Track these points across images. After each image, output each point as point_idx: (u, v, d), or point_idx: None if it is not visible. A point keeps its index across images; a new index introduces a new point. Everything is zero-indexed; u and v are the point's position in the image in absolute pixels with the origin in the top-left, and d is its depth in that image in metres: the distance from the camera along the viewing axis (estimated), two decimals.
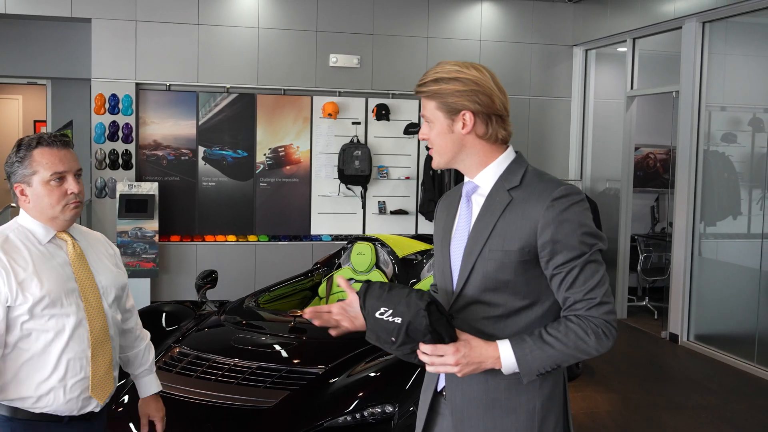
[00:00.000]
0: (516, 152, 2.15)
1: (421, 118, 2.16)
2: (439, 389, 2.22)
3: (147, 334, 2.80)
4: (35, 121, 11.44)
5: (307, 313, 2.24)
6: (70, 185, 2.37)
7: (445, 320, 1.97)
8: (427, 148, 8.60)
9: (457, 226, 2.16)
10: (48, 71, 8.74)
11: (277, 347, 4.12)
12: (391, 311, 1.98)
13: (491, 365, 1.99)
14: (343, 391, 3.63)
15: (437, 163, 2.15)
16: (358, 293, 2.10)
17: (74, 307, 2.36)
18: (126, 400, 3.69)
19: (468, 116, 2.06)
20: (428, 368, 2.01)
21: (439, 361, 1.97)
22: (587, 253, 1.97)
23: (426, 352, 1.97)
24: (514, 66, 9.00)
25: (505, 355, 1.98)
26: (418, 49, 8.74)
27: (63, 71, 8.70)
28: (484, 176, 2.11)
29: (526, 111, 9.07)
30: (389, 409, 3.46)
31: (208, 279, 5.12)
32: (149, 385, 2.78)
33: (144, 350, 2.76)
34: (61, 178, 2.36)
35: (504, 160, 2.12)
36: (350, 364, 3.82)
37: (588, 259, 1.97)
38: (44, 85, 9.12)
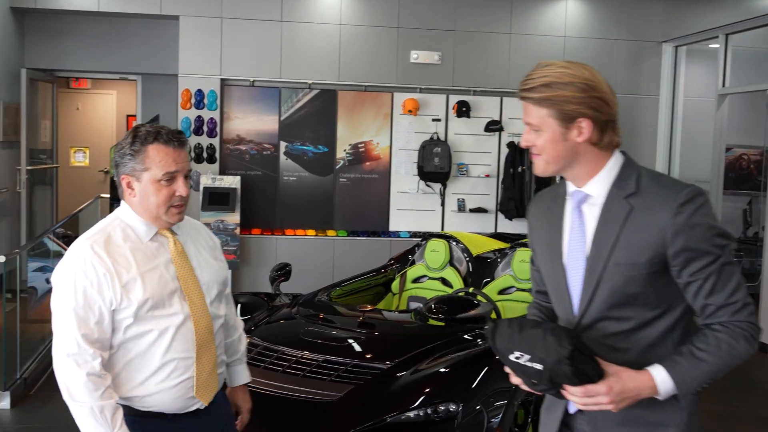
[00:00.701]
0: (623, 154, 2.01)
1: (523, 123, 2.00)
2: (571, 411, 2.07)
3: (241, 324, 2.73)
4: (128, 116, 11.84)
5: None
6: (180, 187, 2.28)
7: (589, 360, 1.84)
8: (516, 150, 8.51)
9: (569, 239, 2.02)
10: (138, 67, 9.03)
11: (346, 341, 4.13)
12: (528, 356, 1.85)
13: (648, 395, 1.88)
14: (409, 387, 3.61)
15: (544, 171, 2.00)
16: (485, 334, 2.00)
17: (178, 307, 2.30)
18: None
19: (585, 124, 1.92)
20: (580, 407, 1.92)
21: (592, 401, 1.86)
22: (721, 255, 1.86)
23: (576, 395, 1.86)
24: (600, 63, 8.76)
25: (661, 381, 1.87)
26: (500, 45, 8.63)
27: (152, 67, 8.97)
28: (595, 184, 1.98)
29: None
30: (453, 407, 3.42)
31: (282, 272, 5.18)
32: (240, 374, 2.70)
33: (237, 340, 2.68)
34: (171, 178, 2.26)
35: (614, 165, 1.98)
36: (417, 360, 3.79)
37: (723, 261, 1.86)
38: (135, 80, 9.42)
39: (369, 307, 4.60)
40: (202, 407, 2.38)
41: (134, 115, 10.17)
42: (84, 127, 11.96)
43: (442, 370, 3.72)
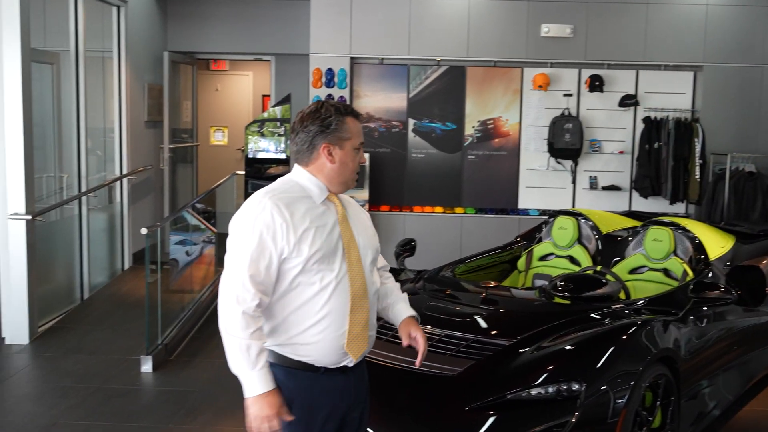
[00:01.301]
0: None
1: None
2: None
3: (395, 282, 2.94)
4: (263, 96, 12.21)
5: None
6: (362, 157, 2.60)
7: None
8: (653, 125, 8.16)
9: None
10: (272, 48, 9.29)
11: (468, 317, 4.11)
12: None
13: None
14: (531, 363, 3.56)
15: None
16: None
17: (338, 265, 2.48)
18: None
19: None
20: None
21: None
22: None
23: None
24: (745, 32, 8.25)
25: None
26: (636, 16, 8.27)
27: (285, 47, 9.20)
28: None
29: (758, 81, 8.31)
30: (577, 386, 3.34)
31: (407, 247, 5.22)
32: (403, 310, 2.83)
33: (394, 285, 2.89)
34: (358, 149, 2.57)
35: None
36: (540, 338, 3.73)
37: None
38: (269, 60, 9.70)
39: (492, 284, 4.55)
40: (350, 364, 2.55)
41: (268, 95, 10.50)
42: (222, 107, 12.43)
43: (567, 348, 3.64)
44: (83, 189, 6.94)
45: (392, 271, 5.04)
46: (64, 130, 6.88)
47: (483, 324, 4.02)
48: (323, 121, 2.49)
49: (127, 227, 7.97)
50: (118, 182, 7.80)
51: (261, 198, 2.44)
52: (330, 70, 8.41)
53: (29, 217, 5.70)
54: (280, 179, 2.56)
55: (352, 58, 8.45)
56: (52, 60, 6.69)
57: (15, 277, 5.80)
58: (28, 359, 5.61)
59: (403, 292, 4.54)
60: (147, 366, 5.32)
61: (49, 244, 6.50)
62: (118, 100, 7.79)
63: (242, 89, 12.53)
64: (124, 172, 7.88)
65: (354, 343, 2.51)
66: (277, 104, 7.85)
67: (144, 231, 5.53)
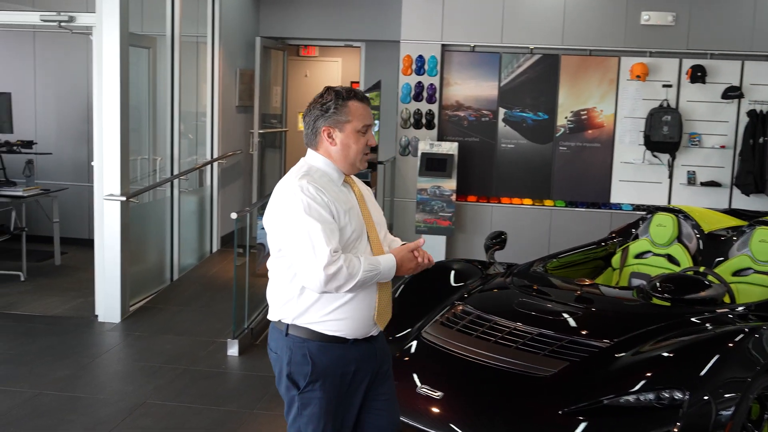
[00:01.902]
0: None
1: None
2: None
3: None
4: (351, 82, 12.19)
5: None
6: (370, 138, 2.66)
7: None
8: (758, 119, 7.76)
9: None
10: (363, 34, 9.23)
11: (561, 315, 3.97)
12: None
13: None
14: (629, 368, 3.39)
15: None
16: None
17: (365, 243, 2.64)
18: (409, 349, 3.79)
19: None
20: None
21: None
22: None
23: None
24: None
25: None
26: (743, 3, 7.85)
27: (376, 34, 9.13)
28: None
29: None
30: (679, 395, 3.16)
31: (497, 240, 5.08)
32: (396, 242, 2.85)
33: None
34: (366, 130, 2.64)
35: None
36: (639, 341, 3.56)
37: None
38: (359, 47, 9.65)
39: (587, 282, 4.39)
40: (376, 333, 2.72)
41: (357, 82, 10.46)
42: (311, 93, 12.29)
43: (667, 354, 3.46)
44: (175, 172, 7.05)
45: (481, 264, 4.95)
46: (158, 113, 7.01)
47: (577, 324, 3.87)
48: (323, 106, 2.61)
49: (217, 211, 8.07)
50: (208, 166, 7.90)
51: (295, 183, 2.54)
52: (420, 57, 8.30)
53: (123, 199, 5.82)
54: (298, 164, 2.68)
55: (443, 45, 8.32)
56: (149, 44, 6.81)
57: (109, 257, 5.93)
58: (119, 337, 5.73)
59: (492, 286, 4.46)
60: (233, 349, 5.36)
61: (142, 226, 6.63)
62: (210, 84, 7.88)
63: (331, 75, 12.55)
64: (215, 156, 7.97)
65: (382, 315, 2.68)
66: (367, 91, 7.80)
67: (234, 216, 5.56)
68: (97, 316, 6.04)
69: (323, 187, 2.56)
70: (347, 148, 2.62)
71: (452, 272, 4.73)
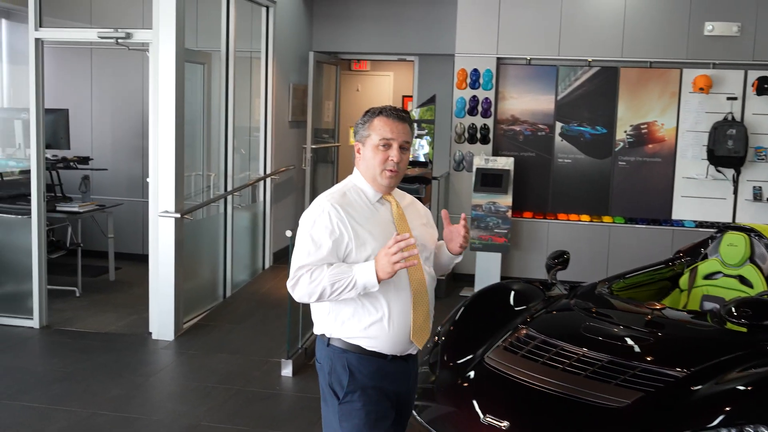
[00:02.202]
0: None
1: None
2: None
3: None
4: (403, 96, 12.11)
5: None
6: (393, 153, 2.68)
7: None
8: None
9: None
10: (416, 48, 9.14)
11: (631, 341, 3.77)
12: None
13: None
14: (708, 401, 3.19)
15: None
16: None
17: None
18: (472, 375, 3.64)
19: None
20: None
21: None
22: None
23: None
24: None
25: None
26: None
27: (429, 48, 9.03)
28: None
29: None
30: (764, 430, 2.96)
31: (560, 260, 4.90)
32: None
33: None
34: (387, 145, 2.67)
35: None
36: (718, 371, 3.35)
37: None
38: (412, 61, 9.56)
39: (657, 305, 4.18)
40: (415, 352, 2.77)
41: (410, 96, 10.36)
42: (363, 107, 12.24)
43: (748, 386, 3.24)
44: (229, 188, 7.02)
45: (542, 284, 4.79)
46: (212, 129, 6.99)
47: (649, 351, 3.67)
48: (357, 125, 2.77)
49: (269, 226, 8.03)
50: (261, 182, 7.87)
51: (321, 200, 2.68)
52: (475, 70, 8.17)
53: (178, 215, 5.79)
54: (343, 181, 2.80)
55: (498, 59, 8.18)
56: (204, 60, 6.80)
57: (163, 274, 5.90)
58: (172, 356, 5.69)
59: (556, 309, 4.28)
60: (287, 370, 5.27)
61: (196, 242, 6.61)
62: (264, 99, 7.85)
63: (383, 90, 12.48)
64: (268, 171, 7.93)
65: (418, 333, 2.70)
66: (421, 105, 7.69)
67: (289, 233, 5.48)
68: (151, 333, 6.02)
69: (350, 205, 2.66)
70: (367, 162, 2.71)
71: (512, 293, 4.57)
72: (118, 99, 8.53)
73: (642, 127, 8.04)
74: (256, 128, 7.90)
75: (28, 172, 6.24)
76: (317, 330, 2.76)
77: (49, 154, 7.47)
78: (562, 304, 4.34)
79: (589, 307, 4.23)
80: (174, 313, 5.92)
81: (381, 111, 2.73)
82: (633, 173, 8.08)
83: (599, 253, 8.09)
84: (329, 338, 2.69)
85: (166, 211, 5.80)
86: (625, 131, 8.06)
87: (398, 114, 2.73)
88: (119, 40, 5.81)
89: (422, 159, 8.08)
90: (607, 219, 8.13)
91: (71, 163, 7.55)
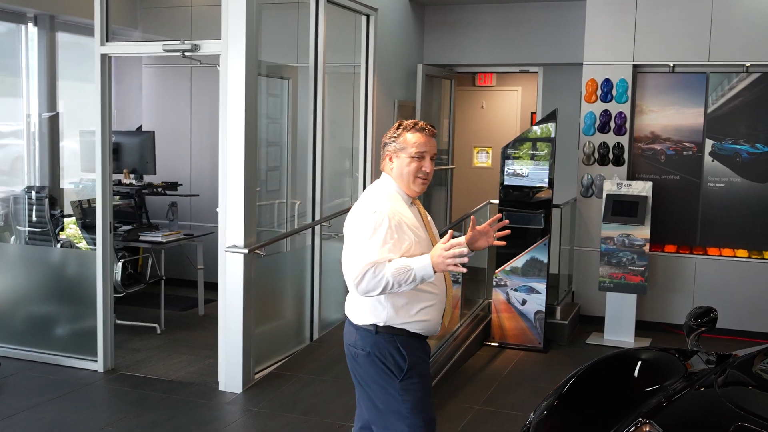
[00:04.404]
0: None
1: None
2: None
3: None
4: (532, 113, 11.02)
5: None
6: (426, 164, 3.03)
7: None
8: None
9: None
10: (540, 57, 8.09)
11: None
12: None
13: None
14: None
15: None
16: None
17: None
18: None
19: None
20: None
21: None
22: None
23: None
24: None
25: None
26: None
27: (555, 57, 7.95)
28: None
29: None
30: None
31: (704, 319, 3.74)
32: None
33: None
34: (420, 157, 3.01)
35: None
36: None
37: None
38: (536, 72, 8.51)
39: None
40: (437, 332, 3.16)
41: (536, 112, 9.29)
42: (488, 126, 11.41)
43: None
44: (317, 217, 6.23)
45: (681, 353, 3.66)
46: (298, 151, 6.25)
47: None
48: (389, 137, 3.07)
49: None
50: None
51: (376, 202, 2.96)
52: (607, 81, 7.04)
53: (246, 251, 5.05)
54: (374, 186, 3.08)
55: (635, 66, 7.01)
56: (289, 75, 6.08)
57: (231, 317, 5.18)
58: (238, 413, 4.94)
59: (693, 396, 3.15)
60: None
61: (276, 279, 5.88)
62: (364, 118, 7.05)
63: (510, 106, 11.43)
64: None
65: (447, 315, 3.16)
66: (540, 122, 6.65)
67: None
68: (218, 384, 5.30)
69: (398, 208, 2.98)
70: (401, 171, 3.03)
71: (639, 363, 3.48)
72: (215, 121, 7.99)
73: None
74: (356, 149, 7.10)
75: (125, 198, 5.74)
76: (362, 321, 3.01)
77: (134, 179, 7.00)
78: (706, 381, 3.19)
79: (743, 393, 3.07)
80: (242, 363, 5.17)
81: (412, 126, 3.05)
82: None
83: (760, 298, 6.71)
84: (378, 326, 2.97)
85: (234, 246, 5.08)
86: None
87: (429, 130, 3.08)
88: (185, 53, 5.18)
89: (542, 184, 6.92)
90: None
91: (157, 189, 7.04)
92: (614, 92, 7.04)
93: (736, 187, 6.88)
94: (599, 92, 7.08)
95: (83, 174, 7.43)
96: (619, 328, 6.66)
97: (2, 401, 5.04)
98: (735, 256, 6.86)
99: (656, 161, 7.08)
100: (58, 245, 6.67)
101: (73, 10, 7.07)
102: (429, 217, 3.23)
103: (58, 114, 7.35)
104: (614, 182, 6.77)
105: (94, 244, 5.66)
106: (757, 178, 6.81)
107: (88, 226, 6.51)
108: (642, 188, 6.67)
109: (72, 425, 4.68)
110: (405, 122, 3.05)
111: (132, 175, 7.03)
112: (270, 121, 5.67)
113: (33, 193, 6.81)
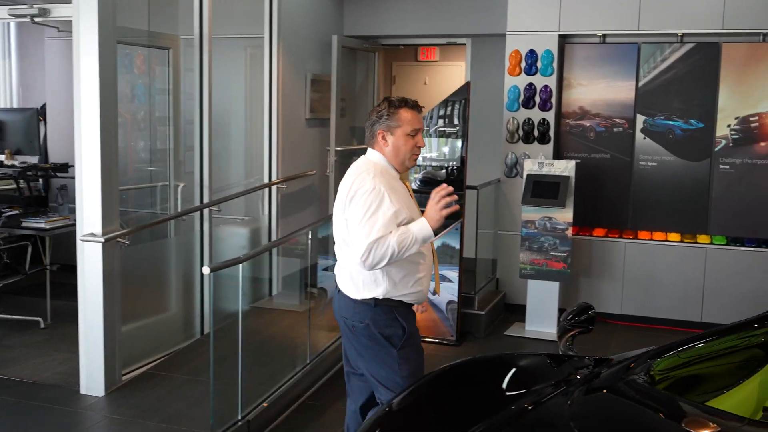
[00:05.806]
0: None
1: None
2: None
3: None
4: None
5: None
6: (419, 140, 3.19)
7: None
8: None
9: None
10: (468, 28, 7.55)
11: None
12: None
13: None
14: None
15: None
16: None
17: None
18: None
19: None
20: None
21: None
22: None
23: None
24: None
25: None
26: None
27: (483, 27, 7.42)
28: None
29: None
30: None
31: (580, 319, 3.27)
32: None
33: None
34: (415, 133, 3.16)
35: None
36: None
37: None
38: (464, 44, 7.99)
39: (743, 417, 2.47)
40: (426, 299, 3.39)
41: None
42: (431, 101, 10.78)
43: None
44: (206, 200, 5.70)
45: (552, 358, 3.19)
46: (186, 129, 5.72)
47: None
48: (378, 113, 3.17)
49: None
50: (265, 192, 6.53)
51: (365, 176, 3.05)
52: (532, 52, 6.55)
53: (103, 240, 4.51)
54: (362, 160, 3.19)
55: (561, 36, 6.53)
56: (170, 44, 5.52)
57: (91, 312, 4.66)
58: (94, 419, 4.41)
59: (544, 412, 2.69)
60: None
61: (157, 268, 5.36)
62: (268, 93, 6.50)
63: (453, 82, 10.90)
64: (274, 178, 6.59)
65: (437, 283, 3.51)
66: (451, 96, 6.16)
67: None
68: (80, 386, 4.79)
69: (390, 183, 3.07)
70: (397, 149, 3.13)
71: (511, 372, 3.00)
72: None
73: (751, 119, 6.18)
74: (259, 128, 6.57)
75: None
76: (360, 295, 3.13)
77: (18, 161, 6.44)
78: (554, 400, 2.71)
79: (590, 418, 2.58)
80: (104, 363, 4.66)
81: (403, 104, 3.13)
82: (739, 179, 6.22)
83: (692, 281, 6.29)
84: (377, 299, 3.10)
85: (92, 234, 4.54)
86: (729, 126, 6.22)
87: (418, 106, 3.18)
88: (34, 18, 4.61)
89: (454, 163, 6.37)
90: (703, 239, 6.32)
91: (41, 172, 6.47)
92: (539, 64, 6.54)
93: (668, 166, 6.42)
94: (523, 64, 6.59)
95: None
96: (541, 318, 6.21)
97: None
98: (667, 240, 6.42)
99: (585, 138, 6.60)
100: None
101: None
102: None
103: None
104: (534, 162, 6.27)
105: None
106: (691, 157, 6.36)
107: None
108: (564, 168, 6.18)
109: None
110: (391, 99, 3.14)
111: (16, 157, 6.46)
112: (145, 95, 5.13)
113: None
